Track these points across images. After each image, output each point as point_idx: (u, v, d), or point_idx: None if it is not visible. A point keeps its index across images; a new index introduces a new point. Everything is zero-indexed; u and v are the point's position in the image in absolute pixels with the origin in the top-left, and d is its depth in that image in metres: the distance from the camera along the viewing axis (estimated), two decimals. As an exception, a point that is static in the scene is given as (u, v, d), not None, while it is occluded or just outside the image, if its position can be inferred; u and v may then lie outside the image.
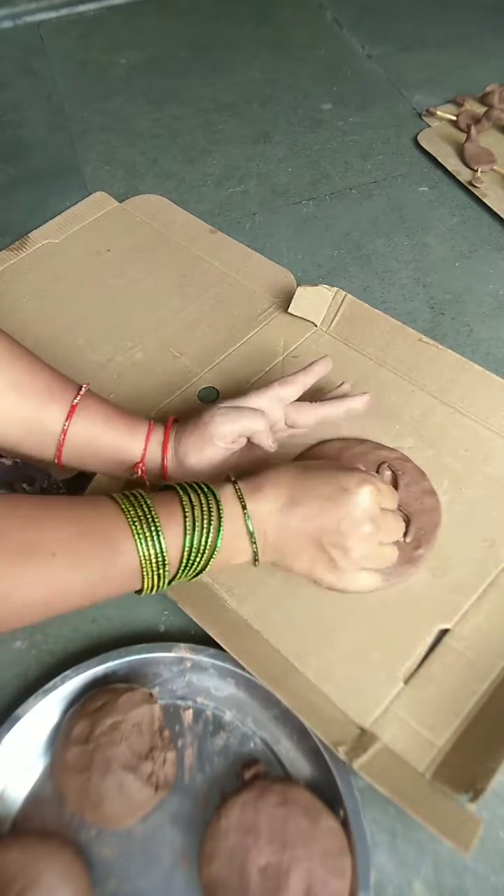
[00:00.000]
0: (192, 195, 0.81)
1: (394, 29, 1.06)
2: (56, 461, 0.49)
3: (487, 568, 0.50)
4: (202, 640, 0.46)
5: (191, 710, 0.46)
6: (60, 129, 0.92)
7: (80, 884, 0.38)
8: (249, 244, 0.73)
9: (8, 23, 1.12)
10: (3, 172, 0.86)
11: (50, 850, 0.39)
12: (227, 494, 0.43)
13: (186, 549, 0.40)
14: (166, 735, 0.43)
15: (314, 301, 0.64)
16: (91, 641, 0.49)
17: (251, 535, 0.42)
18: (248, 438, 0.51)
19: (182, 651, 0.45)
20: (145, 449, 0.49)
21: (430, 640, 0.47)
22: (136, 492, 0.41)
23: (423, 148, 0.84)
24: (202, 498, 0.42)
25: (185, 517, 0.40)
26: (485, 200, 0.77)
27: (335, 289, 0.63)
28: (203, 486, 0.43)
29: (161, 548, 0.39)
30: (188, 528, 0.40)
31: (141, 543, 0.39)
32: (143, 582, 0.40)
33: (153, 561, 0.39)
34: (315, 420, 0.54)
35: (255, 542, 0.43)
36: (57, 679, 0.44)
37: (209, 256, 0.72)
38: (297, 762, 0.43)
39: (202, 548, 0.41)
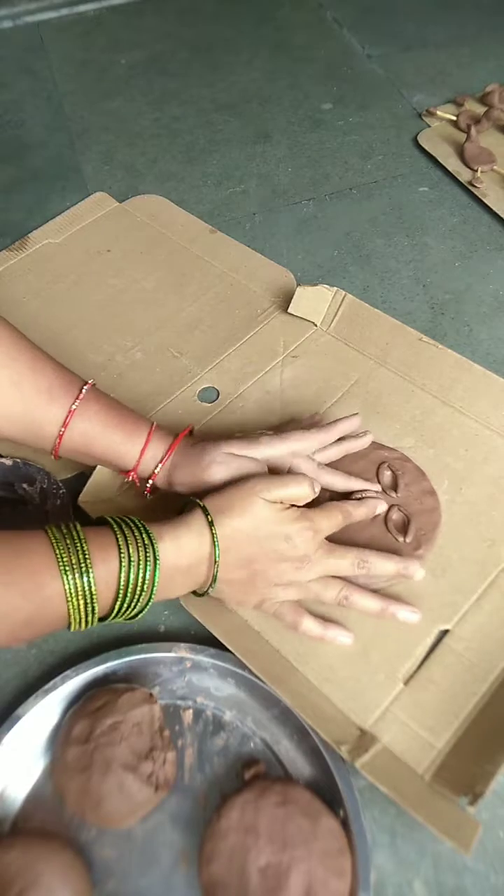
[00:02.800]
0: (192, 195, 0.81)
1: (394, 29, 1.06)
2: (53, 455, 0.49)
3: (487, 568, 0.50)
4: (202, 640, 0.46)
5: (191, 710, 0.46)
6: (60, 129, 0.92)
7: (80, 884, 0.38)
8: (249, 244, 0.73)
9: (8, 23, 1.12)
10: (3, 172, 0.86)
11: (50, 850, 0.39)
12: (192, 521, 0.42)
13: (122, 584, 0.39)
14: (166, 735, 0.43)
15: (314, 301, 0.64)
16: (91, 641, 0.49)
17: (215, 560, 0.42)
18: None
19: (182, 651, 0.45)
20: (139, 460, 0.49)
21: (429, 640, 0.47)
22: (71, 525, 0.39)
23: (423, 148, 0.84)
24: (137, 534, 0.40)
25: (119, 553, 0.39)
26: (485, 200, 0.77)
27: (335, 289, 0.63)
28: (138, 523, 0.41)
29: (89, 582, 0.37)
30: (123, 563, 0.39)
31: (67, 578, 0.37)
32: (69, 617, 0.38)
33: (80, 596, 0.37)
34: (344, 486, 0.52)
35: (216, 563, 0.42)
36: (57, 679, 0.44)
37: (209, 256, 0.72)
38: (297, 762, 0.43)
39: (139, 584, 0.39)
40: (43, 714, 0.44)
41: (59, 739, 0.42)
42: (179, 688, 0.46)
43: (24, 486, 0.55)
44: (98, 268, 0.72)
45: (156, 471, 0.49)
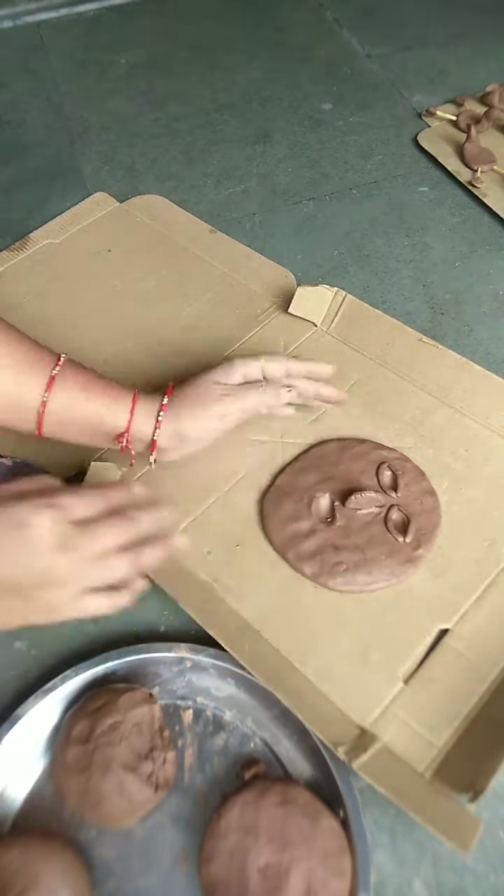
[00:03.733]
0: (191, 195, 0.81)
1: (394, 29, 1.06)
2: (37, 433, 0.48)
3: (487, 568, 0.50)
4: (202, 640, 0.46)
5: (191, 710, 0.46)
6: (60, 129, 0.92)
7: (80, 884, 0.38)
8: (249, 244, 0.73)
9: (8, 23, 1.12)
10: (3, 172, 0.86)
11: (50, 850, 0.39)
12: None
13: None
14: (166, 735, 0.43)
15: (314, 301, 0.64)
16: (91, 641, 0.49)
17: None
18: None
19: (182, 651, 0.45)
20: (130, 420, 0.48)
21: (429, 640, 0.47)
22: None
23: (423, 148, 0.84)
24: None
25: None
26: (485, 200, 0.77)
27: (335, 289, 0.63)
28: None
29: None
30: None
31: None
32: None
33: None
34: (285, 371, 0.53)
35: None
36: (57, 679, 0.44)
37: (209, 257, 0.72)
38: (297, 762, 0.43)
39: None
40: (43, 714, 0.44)
41: (59, 739, 0.42)
42: (179, 688, 0.46)
43: (24, 486, 0.55)
44: (98, 268, 0.72)
45: (159, 419, 0.48)
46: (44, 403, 0.47)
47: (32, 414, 0.48)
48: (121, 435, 0.49)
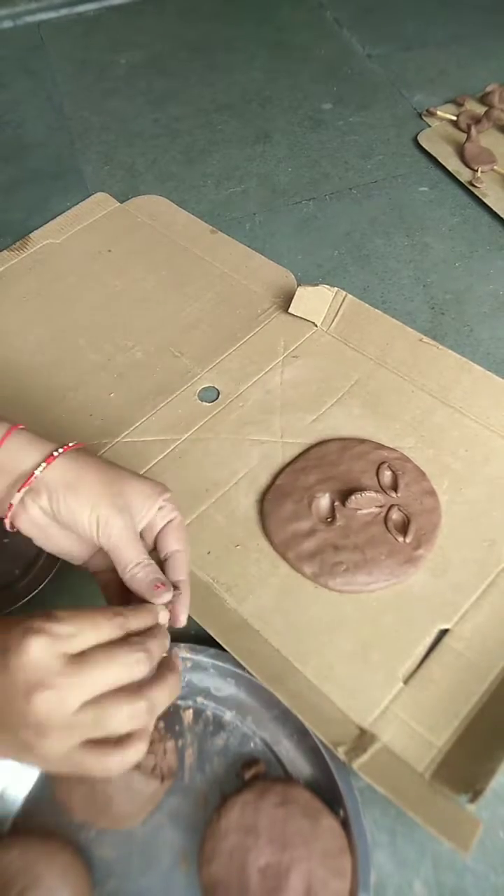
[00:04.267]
0: (192, 195, 0.81)
1: (394, 29, 1.06)
2: None
3: (487, 568, 0.50)
4: (202, 640, 0.46)
5: (191, 710, 0.46)
6: (60, 129, 0.92)
7: (80, 884, 0.38)
8: (250, 244, 0.73)
9: (8, 23, 1.12)
10: (3, 172, 0.86)
11: (50, 851, 0.39)
12: None
13: None
14: (161, 726, 0.43)
15: (314, 301, 0.64)
16: (91, 641, 0.49)
17: None
18: None
19: (182, 651, 0.45)
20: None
21: (429, 640, 0.47)
22: None
23: (423, 148, 0.84)
24: None
25: None
26: (485, 200, 0.77)
27: (335, 289, 0.63)
28: None
29: None
30: None
31: None
32: None
33: None
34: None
35: None
36: (57, 679, 0.44)
37: (209, 257, 0.72)
38: (297, 762, 0.43)
39: None
40: (43, 714, 0.44)
41: None
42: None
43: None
44: (98, 268, 0.72)
45: (55, 454, 0.38)
46: None
47: None
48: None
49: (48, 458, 0.38)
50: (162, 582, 0.38)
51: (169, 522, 0.40)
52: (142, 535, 0.39)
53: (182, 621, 0.39)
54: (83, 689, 0.31)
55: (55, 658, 0.31)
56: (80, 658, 0.31)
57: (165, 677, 0.34)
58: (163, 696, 0.33)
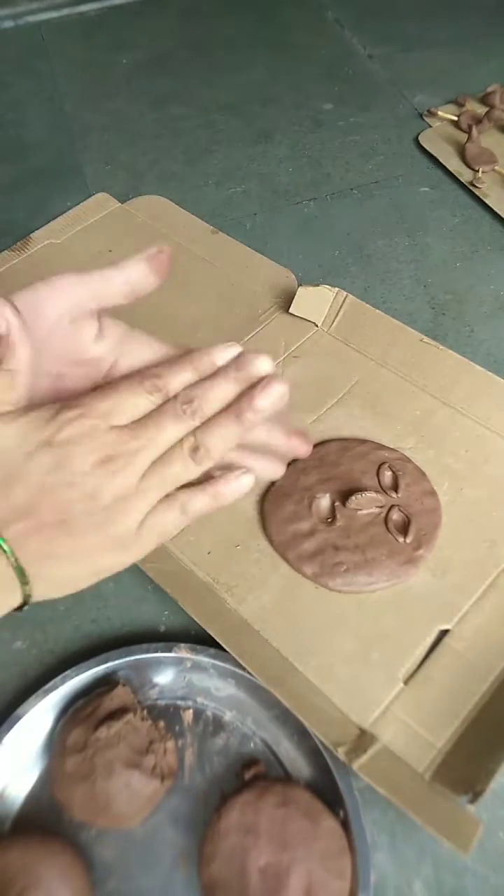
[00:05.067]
0: (192, 195, 0.81)
1: (395, 29, 1.06)
2: None
3: (488, 569, 0.50)
4: (202, 640, 0.46)
5: (191, 710, 0.46)
6: (62, 129, 0.92)
7: (80, 884, 0.38)
8: (250, 244, 0.73)
9: (9, 23, 1.12)
10: (4, 173, 0.86)
11: (50, 851, 0.39)
12: None
13: None
14: (161, 725, 0.43)
15: (315, 301, 0.64)
16: (91, 641, 0.49)
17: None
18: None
19: (182, 651, 0.45)
20: None
21: (429, 640, 0.47)
22: None
23: (424, 148, 0.84)
24: None
25: None
26: (486, 201, 0.77)
27: (336, 289, 0.63)
28: None
29: None
30: None
31: None
32: None
33: None
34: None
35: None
36: (57, 679, 0.44)
37: (210, 257, 0.72)
38: (297, 762, 0.43)
39: None
40: (43, 714, 0.44)
41: (55, 752, 0.42)
42: (179, 688, 0.46)
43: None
44: (99, 268, 0.72)
45: None
46: None
47: None
48: None
49: None
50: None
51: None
52: None
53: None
54: (148, 451, 0.30)
55: (107, 433, 0.29)
56: (133, 424, 0.30)
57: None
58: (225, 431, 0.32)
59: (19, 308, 0.32)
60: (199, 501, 0.32)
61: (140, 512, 0.31)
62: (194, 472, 0.32)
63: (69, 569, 0.30)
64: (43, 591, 0.30)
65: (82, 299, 0.33)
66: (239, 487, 0.33)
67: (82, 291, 0.33)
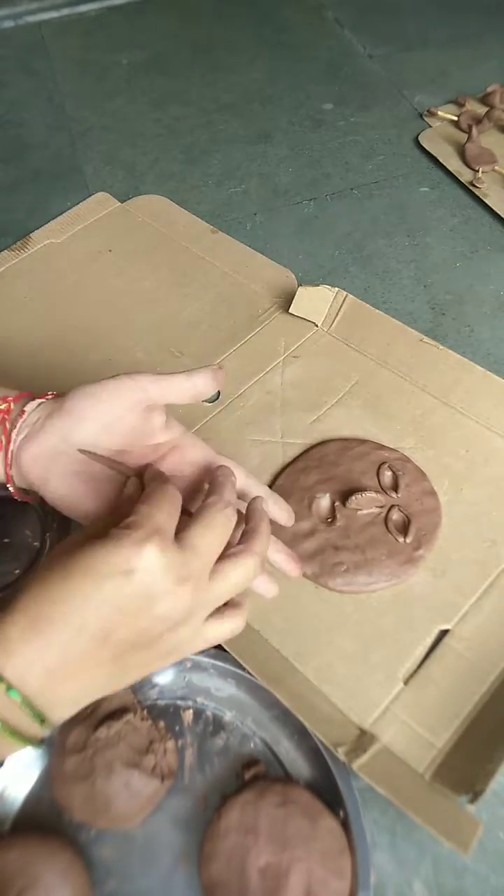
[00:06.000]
0: (192, 195, 0.81)
1: (395, 29, 1.06)
2: None
3: (488, 569, 0.50)
4: (202, 640, 0.46)
5: (191, 710, 0.46)
6: (61, 129, 0.92)
7: (79, 884, 0.38)
8: (250, 244, 0.73)
9: (9, 23, 1.12)
10: (4, 172, 0.86)
11: (49, 850, 0.39)
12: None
13: None
14: (161, 725, 0.43)
15: (315, 301, 0.64)
16: (91, 641, 0.49)
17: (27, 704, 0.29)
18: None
19: (182, 651, 0.45)
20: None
21: (429, 640, 0.47)
22: None
23: (424, 148, 0.84)
24: None
25: None
26: (486, 201, 0.77)
27: (336, 289, 0.63)
28: None
29: None
30: None
31: None
32: None
33: None
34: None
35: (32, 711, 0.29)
36: (57, 679, 0.44)
37: (210, 256, 0.72)
38: (297, 762, 0.43)
39: None
40: (43, 714, 0.44)
41: (54, 752, 0.42)
42: (179, 688, 0.46)
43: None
44: (99, 268, 0.72)
45: (24, 409, 0.38)
46: None
47: None
48: None
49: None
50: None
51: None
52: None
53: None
54: (206, 562, 0.32)
55: (173, 551, 0.30)
56: (187, 542, 0.31)
57: (258, 527, 0.36)
58: (264, 545, 0.35)
59: (104, 394, 0.37)
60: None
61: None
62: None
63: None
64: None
65: (154, 394, 0.37)
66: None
67: (155, 388, 0.37)
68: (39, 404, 0.40)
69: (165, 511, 0.32)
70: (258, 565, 0.34)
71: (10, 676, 0.28)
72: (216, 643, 0.34)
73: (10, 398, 0.40)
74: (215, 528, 0.33)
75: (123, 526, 0.30)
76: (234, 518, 0.34)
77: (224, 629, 0.34)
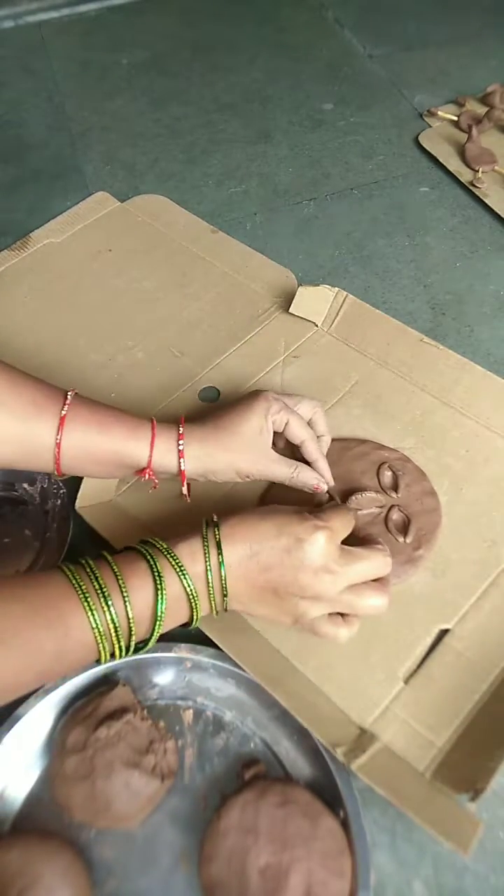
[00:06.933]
0: (193, 195, 0.81)
1: (395, 29, 1.06)
2: (56, 472, 0.47)
3: (487, 568, 0.50)
4: (202, 640, 0.46)
5: (191, 710, 0.46)
6: (61, 129, 0.92)
7: (79, 884, 0.38)
8: (250, 244, 0.73)
9: (9, 22, 1.12)
10: (4, 172, 0.86)
11: (50, 850, 0.39)
12: (191, 549, 0.41)
13: (159, 614, 0.39)
14: (162, 725, 0.43)
15: (315, 301, 0.64)
16: (91, 641, 0.49)
17: (209, 587, 0.41)
18: (298, 449, 0.51)
19: (182, 651, 0.45)
20: (151, 452, 0.47)
21: (430, 640, 0.47)
22: (86, 560, 0.39)
23: (424, 148, 0.84)
24: (162, 558, 0.40)
25: (155, 579, 0.39)
26: (486, 201, 0.77)
27: (336, 289, 0.63)
28: (158, 543, 0.41)
29: (113, 617, 0.38)
30: (159, 588, 0.39)
31: (93, 616, 0.37)
32: (99, 654, 0.38)
33: (109, 632, 0.38)
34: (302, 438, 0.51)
35: (212, 595, 0.41)
36: (57, 679, 0.44)
37: (210, 256, 0.72)
38: (297, 762, 0.43)
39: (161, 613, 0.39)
40: (43, 714, 0.44)
41: (55, 752, 0.42)
42: (179, 688, 0.46)
43: (25, 485, 0.55)
44: (99, 268, 0.72)
45: (180, 449, 0.48)
46: (58, 444, 0.45)
47: (49, 455, 0.46)
48: (143, 470, 0.48)
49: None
50: (317, 480, 0.50)
51: (286, 424, 0.49)
52: (275, 442, 0.50)
53: (330, 481, 0.51)
54: (350, 577, 0.42)
55: (335, 548, 0.41)
56: (350, 552, 0.42)
57: (386, 582, 0.44)
58: (387, 595, 0.43)
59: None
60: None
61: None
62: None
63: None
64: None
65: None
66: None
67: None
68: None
69: (339, 523, 0.43)
70: (383, 606, 0.43)
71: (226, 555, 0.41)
72: (320, 635, 0.43)
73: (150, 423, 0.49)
74: (373, 562, 0.42)
75: (314, 516, 0.42)
76: (389, 567, 0.43)
77: (337, 631, 0.43)
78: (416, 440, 0.56)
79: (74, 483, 0.53)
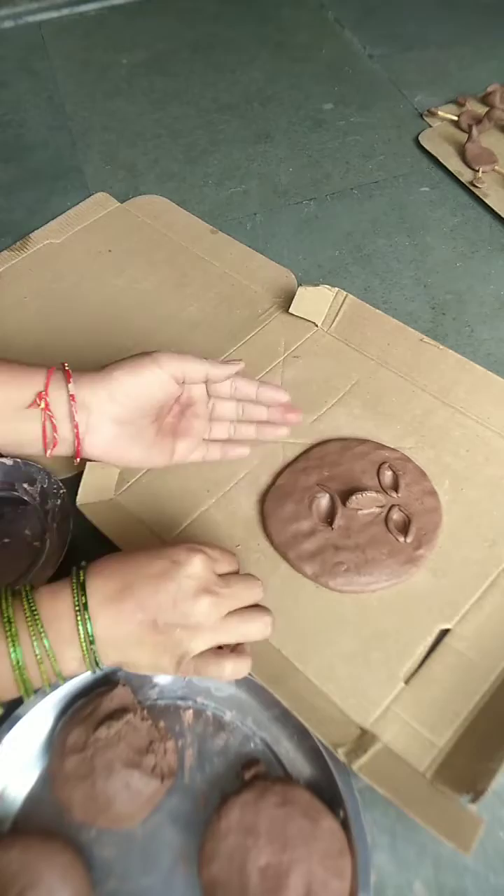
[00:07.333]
0: (193, 195, 0.81)
1: (395, 29, 1.06)
2: None
3: (488, 568, 0.50)
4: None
5: (191, 710, 0.46)
6: (61, 129, 0.92)
7: (80, 884, 0.38)
8: (250, 244, 0.73)
9: (9, 22, 1.12)
10: (4, 172, 0.86)
11: (50, 850, 0.39)
12: (59, 596, 0.37)
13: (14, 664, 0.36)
14: (162, 726, 0.43)
15: (315, 301, 0.64)
16: (91, 641, 0.49)
17: (88, 637, 0.37)
18: (209, 395, 0.51)
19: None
20: (47, 383, 0.45)
21: (430, 640, 0.47)
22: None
23: (424, 148, 0.84)
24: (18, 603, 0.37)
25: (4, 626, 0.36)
26: (486, 201, 0.77)
27: (336, 289, 0.63)
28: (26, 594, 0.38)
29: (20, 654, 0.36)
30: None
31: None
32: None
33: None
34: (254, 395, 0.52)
35: (91, 644, 0.37)
36: (57, 679, 0.44)
37: (210, 256, 0.72)
38: (297, 762, 0.43)
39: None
40: (42, 714, 0.44)
41: (54, 752, 0.42)
42: (179, 688, 0.46)
43: (25, 485, 0.55)
44: (99, 268, 0.72)
45: (70, 392, 0.45)
46: None
47: None
48: (34, 402, 0.45)
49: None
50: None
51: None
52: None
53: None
54: (233, 601, 0.39)
55: (212, 573, 0.39)
56: (227, 577, 0.40)
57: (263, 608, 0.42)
58: (270, 618, 0.41)
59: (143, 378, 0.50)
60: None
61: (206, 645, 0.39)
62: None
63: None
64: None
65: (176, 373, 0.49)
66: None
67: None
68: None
69: (218, 553, 0.42)
70: (269, 628, 0.41)
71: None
72: (207, 675, 0.39)
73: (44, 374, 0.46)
74: (250, 585, 0.41)
75: (189, 544, 0.40)
76: (262, 594, 0.42)
77: (224, 668, 0.39)
78: (417, 440, 0.56)
79: (74, 483, 0.53)
